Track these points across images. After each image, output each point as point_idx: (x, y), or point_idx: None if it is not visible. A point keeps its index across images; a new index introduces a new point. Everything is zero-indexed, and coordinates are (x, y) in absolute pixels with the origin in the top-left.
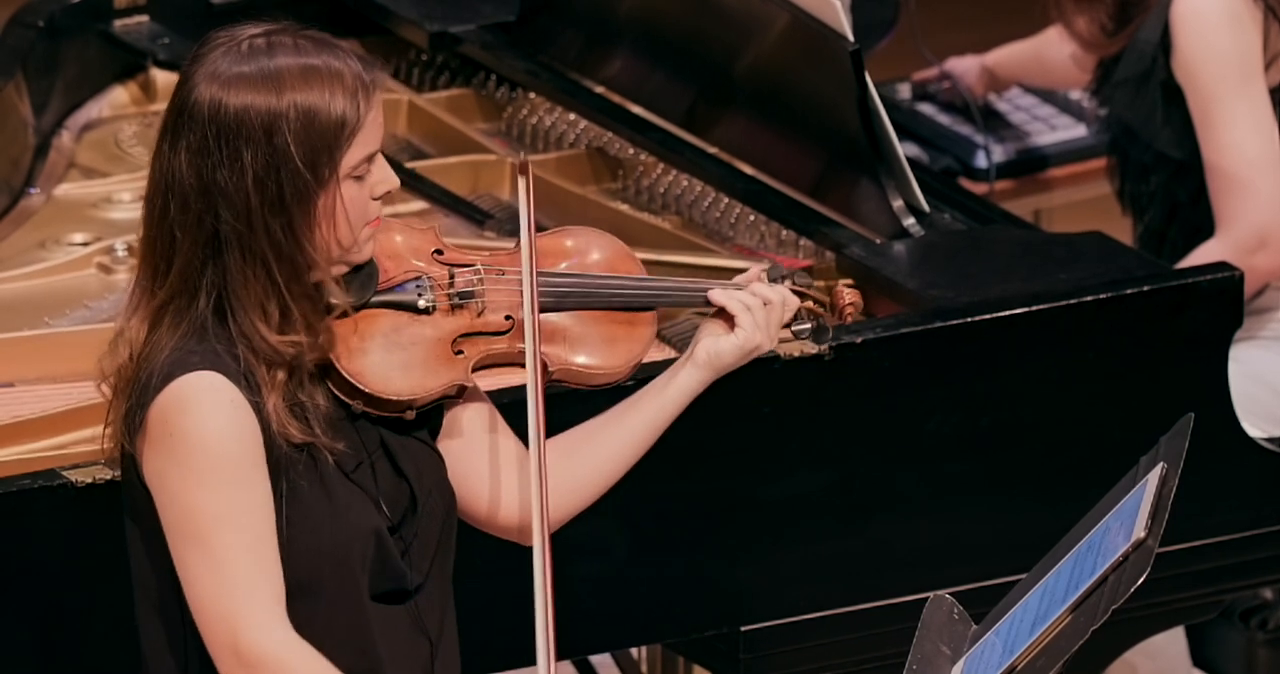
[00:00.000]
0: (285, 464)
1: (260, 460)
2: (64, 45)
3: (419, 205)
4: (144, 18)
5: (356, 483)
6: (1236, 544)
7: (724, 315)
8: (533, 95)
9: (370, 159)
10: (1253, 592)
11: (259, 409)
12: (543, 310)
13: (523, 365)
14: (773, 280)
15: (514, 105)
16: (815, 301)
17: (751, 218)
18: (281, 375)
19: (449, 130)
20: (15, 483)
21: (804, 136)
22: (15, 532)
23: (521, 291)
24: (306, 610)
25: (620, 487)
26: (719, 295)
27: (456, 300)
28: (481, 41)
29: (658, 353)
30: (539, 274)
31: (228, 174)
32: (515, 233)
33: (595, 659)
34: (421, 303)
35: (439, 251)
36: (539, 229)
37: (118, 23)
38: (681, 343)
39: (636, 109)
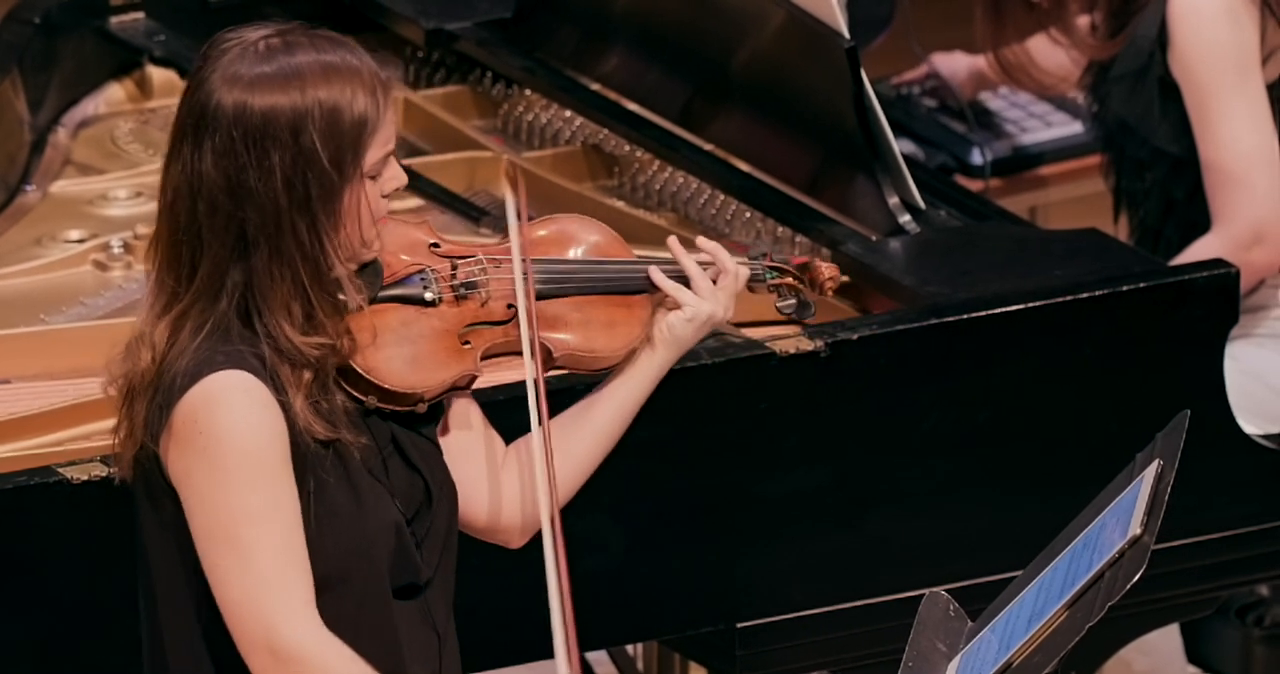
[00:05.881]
0: (313, 461)
1: (287, 459)
2: (60, 42)
3: (415, 202)
4: (140, 14)
5: (376, 478)
6: (1232, 541)
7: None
8: (529, 92)
9: (386, 157)
10: (1249, 588)
11: (285, 408)
12: (541, 297)
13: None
14: (752, 258)
15: (510, 102)
16: (795, 277)
17: (747, 214)
18: (308, 376)
19: (445, 127)
20: (12, 480)
21: (800, 133)
22: (12, 528)
23: (521, 281)
24: (335, 606)
25: (617, 483)
26: (655, 275)
27: (461, 291)
28: (478, 38)
29: None
30: (535, 261)
31: (256, 175)
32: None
33: (591, 656)
34: (428, 295)
35: (435, 245)
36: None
37: (114, 19)
38: None
39: (632, 106)
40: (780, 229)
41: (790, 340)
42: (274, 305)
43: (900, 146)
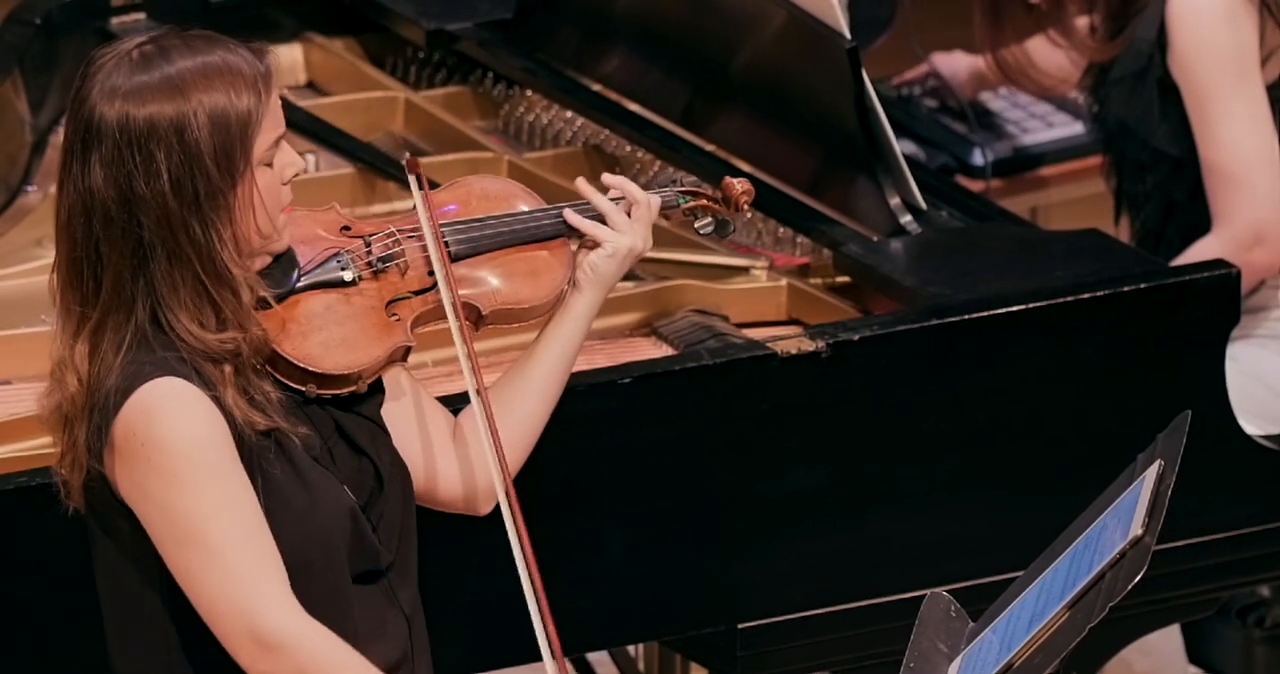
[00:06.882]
0: (257, 454)
1: (234, 452)
2: (61, 42)
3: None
4: (141, 15)
5: (323, 466)
6: (1233, 541)
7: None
8: (530, 93)
9: (277, 143)
10: (1250, 589)
11: (220, 404)
12: (459, 257)
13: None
14: (662, 186)
15: (511, 103)
16: (708, 198)
17: (749, 215)
18: (229, 369)
19: (446, 128)
20: (12, 480)
21: (801, 134)
22: (12, 529)
23: (436, 249)
24: (296, 596)
25: (618, 483)
26: (571, 216)
27: (378, 266)
28: (479, 39)
29: (654, 350)
30: (447, 224)
31: (144, 181)
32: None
33: (592, 657)
34: (347, 276)
35: (346, 227)
36: (430, 187)
37: (115, 20)
38: (680, 341)
39: (634, 106)
40: (782, 230)
41: (791, 341)
42: (178, 308)
43: (901, 147)
